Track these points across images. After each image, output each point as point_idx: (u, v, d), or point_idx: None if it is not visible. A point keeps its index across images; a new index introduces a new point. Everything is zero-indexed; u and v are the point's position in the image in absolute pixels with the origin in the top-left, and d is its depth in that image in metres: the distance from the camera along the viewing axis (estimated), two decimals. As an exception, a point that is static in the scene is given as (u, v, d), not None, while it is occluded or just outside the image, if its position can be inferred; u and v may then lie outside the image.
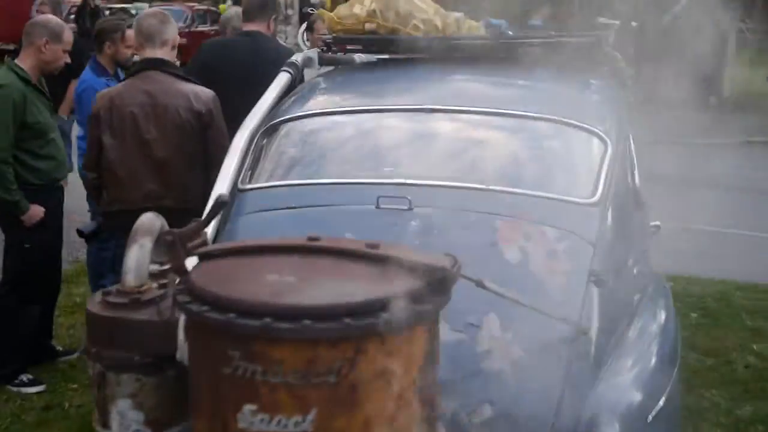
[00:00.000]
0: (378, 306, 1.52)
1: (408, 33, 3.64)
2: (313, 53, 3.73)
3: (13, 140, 4.01)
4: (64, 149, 4.34)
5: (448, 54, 3.60)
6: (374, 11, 3.66)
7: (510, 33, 3.75)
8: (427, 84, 3.34)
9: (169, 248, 1.80)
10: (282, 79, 3.42)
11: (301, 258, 1.71)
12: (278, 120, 3.19)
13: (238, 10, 6.21)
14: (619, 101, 3.39)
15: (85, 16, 18.09)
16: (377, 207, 2.61)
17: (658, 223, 3.82)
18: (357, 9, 3.69)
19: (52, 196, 4.27)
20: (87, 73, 5.28)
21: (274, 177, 2.98)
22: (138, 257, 1.88)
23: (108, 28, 5.32)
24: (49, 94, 4.29)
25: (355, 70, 3.75)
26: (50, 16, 4.28)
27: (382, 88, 3.41)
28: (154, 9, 3.78)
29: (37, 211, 4.15)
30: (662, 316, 3.02)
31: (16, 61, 4.17)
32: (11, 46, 15.70)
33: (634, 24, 16.66)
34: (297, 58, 3.60)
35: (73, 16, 18.77)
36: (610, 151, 2.87)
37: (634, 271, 2.99)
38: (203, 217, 1.90)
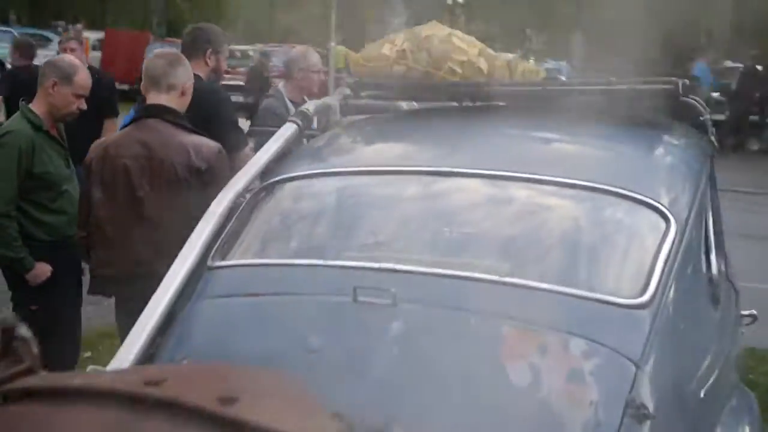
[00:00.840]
0: None
1: (442, 77, 3.07)
2: (334, 100, 3.20)
3: (16, 192, 3.66)
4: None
5: (488, 102, 3.00)
6: (404, 52, 3.11)
7: (562, 78, 3.11)
8: (454, 140, 2.74)
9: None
10: (285, 132, 2.90)
11: (123, 413, 1.15)
12: (272, 180, 2.67)
13: (304, 49, 5.72)
14: (697, 165, 2.68)
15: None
16: (354, 300, 2.04)
17: (753, 312, 3.07)
18: (386, 49, 3.16)
19: (62, 253, 3.88)
20: (129, 117, 4.96)
21: (249, 253, 2.45)
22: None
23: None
24: (65, 142, 3.93)
25: (381, 120, 3.20)
26: (66, 57, 3.94)
27: (405, 145, 2.85)
28: (166, 50, 3.39)
29: (43, 270, 3.77)
30: None
31: (30, 105, 3.84)
32: (125, 86, 16.14)
33: (759, 68, 15.48)
34: (309, 106, 3.07)
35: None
36: (673, 231, 2.19)
37: (707, 387, 2.28)
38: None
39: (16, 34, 24.09)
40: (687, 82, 3.01)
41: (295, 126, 2.95)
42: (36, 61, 6.63)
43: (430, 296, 2.04)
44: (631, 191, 2.26)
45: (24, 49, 7.25)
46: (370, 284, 2.06)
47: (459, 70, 3.06)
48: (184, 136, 3.23)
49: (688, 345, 2.17)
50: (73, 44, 5.88)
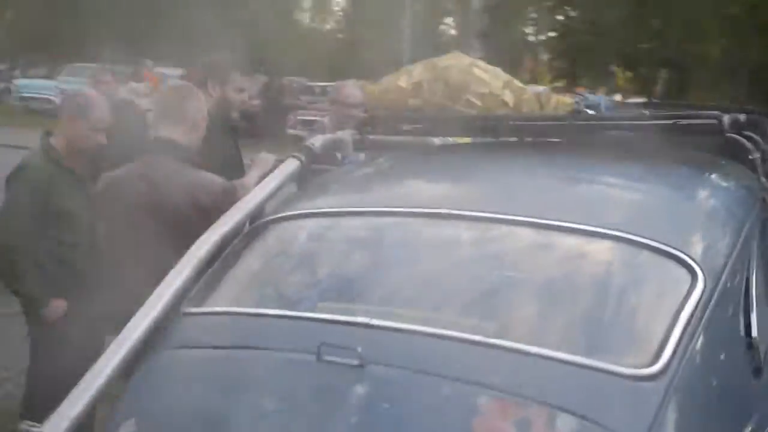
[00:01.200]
0: None
1: (459, 110, 2.83)
2: (347, 135, 2.99)
3: (29, 227, 3.56)
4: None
5: (511, 136, 2.75)
6: (420, 84, 2.88)
7: (589, 112, 2.82)
8: (463, 179, 2.49)
9: None
10: (286, 169, 2.70)
11: None
12: (263, 220, 2.47)
13: (345, 83, 5.51)
14: (741, 210, 2.35)
15: (271, 94, 18.66)
16: (318, 358, 1.80)
17: None
18: (402, 81, 2.94)
19: (80, 290, 3.76)
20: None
21: (226, 299, 2.24)
22: None
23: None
24: (88, 177, 3.82)
25: (393, 158, 2.97)
26: (86, 90, 3.84)
27: (409, 185, 2.61)
28: (180, 82, 3.25)
29: (57, 307, 3.65)
30: None
31: (51, 139, 3.75)
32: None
33: None
34: (315, 141, 2.87)
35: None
36: (699, 287, 1.88)
37: None
38: None
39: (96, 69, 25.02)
40: (740, 117, 2.69)
41: (297, 162, 2.75)
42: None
43: (402, 357, 1.78)
44: (652, 239, 1.96)
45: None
46: (339, 340, 1.82)
47: (478, 103, 2.82)
48: (190, 173, 3.07)
49: (713, 424, 1.83)
50: (106, 78, 5.84)
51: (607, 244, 1.98)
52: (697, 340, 1.80)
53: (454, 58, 2.96)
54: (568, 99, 3.20)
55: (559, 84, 40.92)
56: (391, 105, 2.94)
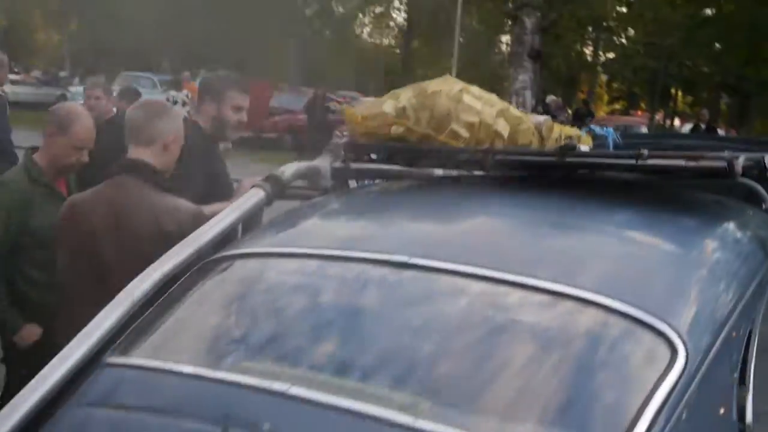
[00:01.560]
0: None
1: (444, 142, 2.56)
2: (324, 163, 2.74)
3: (2, 247, 3.39)
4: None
5: (496, 171, 2.47)
6: (405, 110, 2.61)
7: (583, 148, 2.52)
8: (430, 221, 2.22)
9: None
10: (247, 201, 2.46)
11: None
12: (213, 258, 2.23)
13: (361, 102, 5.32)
14: (746, 267, 2.03)
15: (315, 109, 18.53)
16: None
17: None
18: (387, 106, 2.67)
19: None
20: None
21: (152, 349, 1.99)
22: None
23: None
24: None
25: (369, 191, 2.71)
26: (67, 105, 3.65)
27: (374, 224, 2.34)
28: (149, 99, 3.05)
29: (31, 332, 3.47)
30: None
31: (35, 155, 3.58)
32: (248, 134, 16.77)
33: None
34: (285, 169, 2.62)
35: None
36: (679, 365, 1.58)
37: None
38: None
39: (155, 80, 25.25)
40: (762, 158, 2.36)
41: (262, 193, 2.51)
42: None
43: None
44: (625, 303, 1.66)
45: (129, 96, 7.22)
46: (249, 412, 1.57)
47: (465, 134, 2.53)
48: (158, 197, 2.85)
49: None
50: (98, 92, 5.70)
51: (572, 307, 1.69)
52: (671, 430, 1.50)
53: (443, 83, 2.68)
54: (574, 131, 2.89)
55: (618, 106, 40.24)
56: (373, 132, 2.67)
